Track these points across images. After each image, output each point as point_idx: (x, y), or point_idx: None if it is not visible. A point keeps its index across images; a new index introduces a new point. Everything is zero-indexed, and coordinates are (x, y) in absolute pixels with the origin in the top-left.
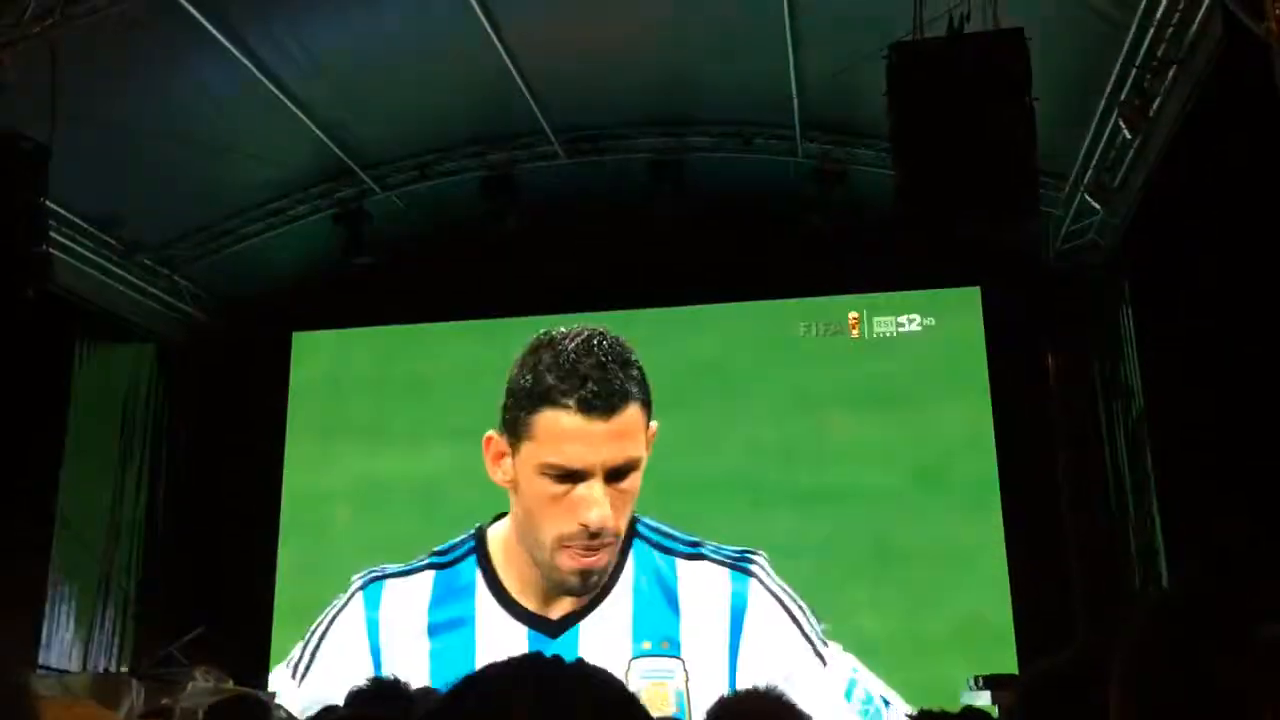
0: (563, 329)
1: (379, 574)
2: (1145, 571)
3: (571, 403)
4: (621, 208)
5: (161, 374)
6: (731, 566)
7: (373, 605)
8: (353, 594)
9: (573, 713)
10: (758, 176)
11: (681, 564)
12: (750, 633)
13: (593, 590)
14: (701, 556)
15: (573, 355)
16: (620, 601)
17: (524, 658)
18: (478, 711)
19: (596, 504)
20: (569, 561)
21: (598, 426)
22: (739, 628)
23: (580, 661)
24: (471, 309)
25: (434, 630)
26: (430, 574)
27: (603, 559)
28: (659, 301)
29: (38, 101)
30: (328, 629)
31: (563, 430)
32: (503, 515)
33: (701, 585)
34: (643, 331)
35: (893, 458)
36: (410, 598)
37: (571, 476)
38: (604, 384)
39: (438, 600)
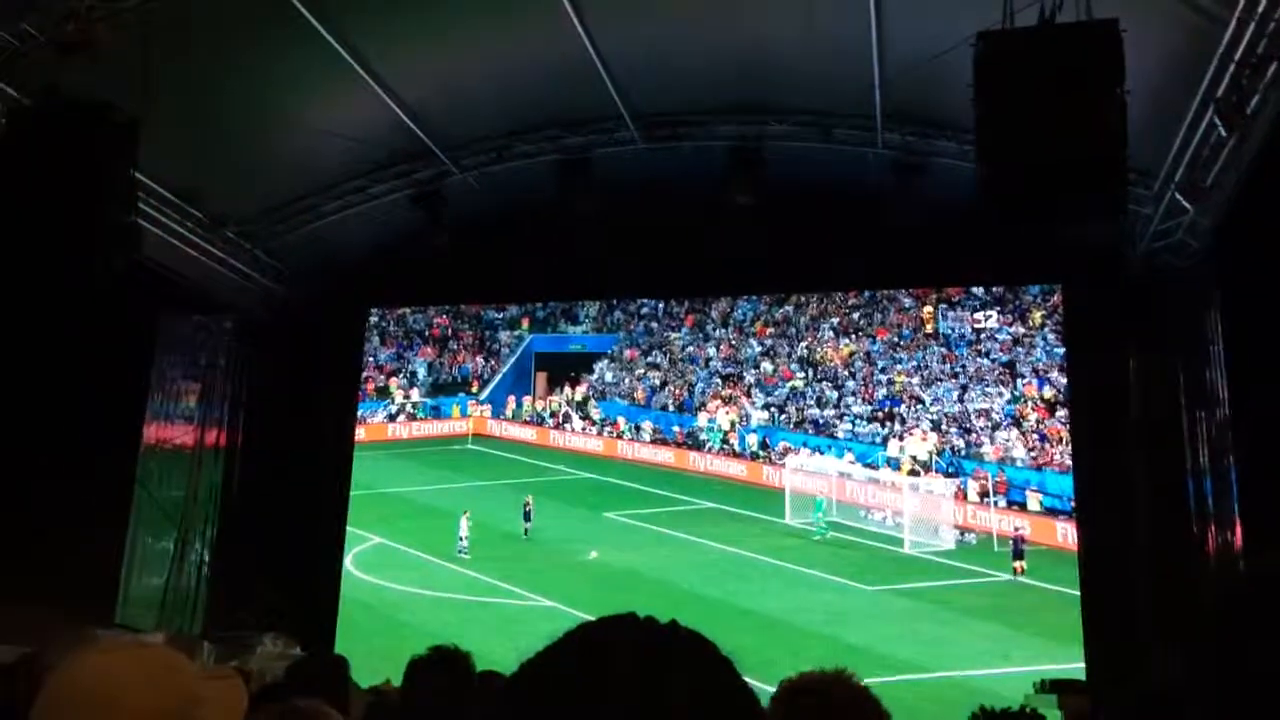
0: None
1: None
2: (1225, 576)
3: None
4: (697, 194)
5: (241, 345)
6: None
7: None
8: None
9: (670, 671)
10: (836, 166)
11: None
12: None
13: None
14: None
15: None
16: None
17: (624, 617)
18: (574, 667)
19: None
20: None
21: None
22: None
23: (674, 623)
24: (544, 291)
25: None
26: None
27: None
28: (732, 290)
29: (131, 76)
30: None
31: None
32: None
33: None
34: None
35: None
36: None
37: None
38: None
39: None
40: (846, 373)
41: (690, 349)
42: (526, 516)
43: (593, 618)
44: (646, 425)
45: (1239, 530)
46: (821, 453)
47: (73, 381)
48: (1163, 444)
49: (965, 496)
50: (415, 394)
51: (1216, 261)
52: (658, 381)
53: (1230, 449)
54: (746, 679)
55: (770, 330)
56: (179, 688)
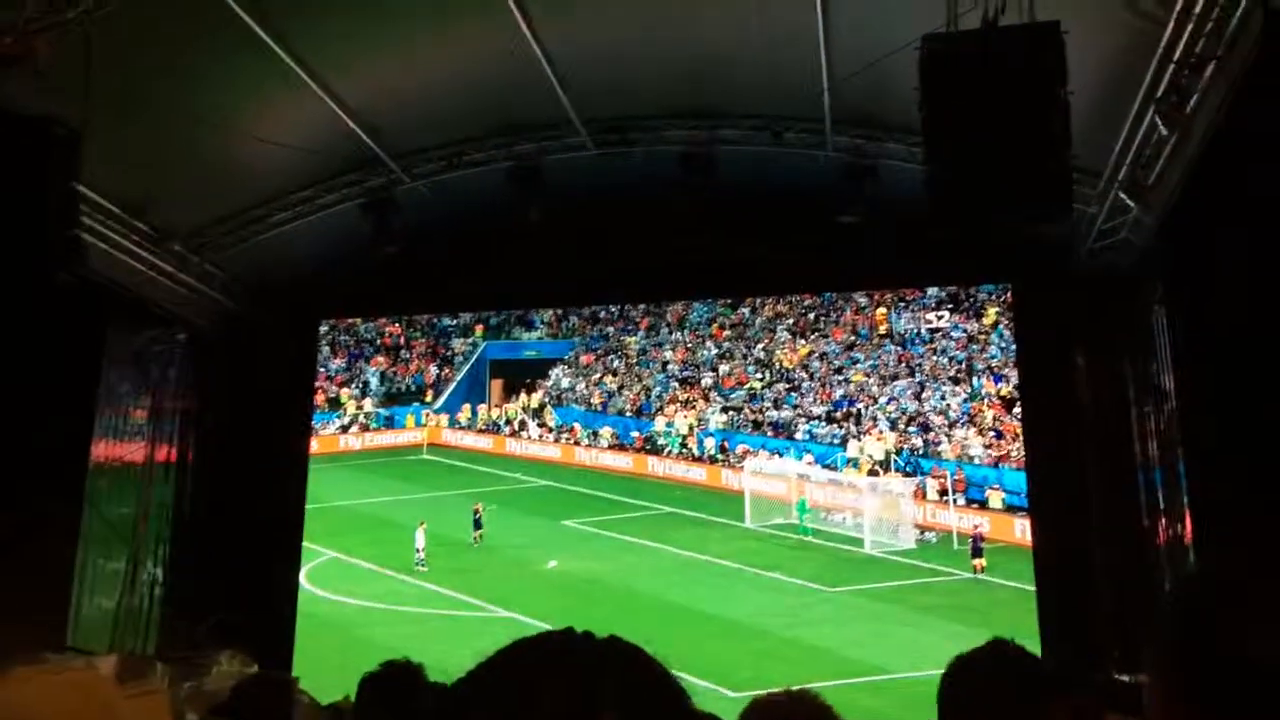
0: None
1: None
2: (1175, 571)
3: None
4: (649, 200)
5: (191, 359)
6: None
7: None
8: None
9: (600, 687)
10: (787, 170)
11: None
12: None
13: None
14: None
15: None
16: None
17: (559, 634)
18: (508, 682)
19: None
20: None
21: None
22: None
23: (612, 638)
24: (498, 299)
25: None
26: None
27: None
28: (685, 295)
29: (71, 87)
30: None
31: None
32: None
33: None
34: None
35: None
36: None
37: None
38: None
39: None
40: (804, 374)
41: (646, 353)
42: (476, 524)
43: (551, 628)
44: (605, 431)
45: (1188, 522)
46: (780, 455)
47: (16, 400)
48: (1113, 439)
49: (924, 495)
50: (368, 404)
51: (1160, 258)
52: (615, 386)
53: (1178, 443)
54: (726, 688)
55: (727, 333)
56: (98, 711)
